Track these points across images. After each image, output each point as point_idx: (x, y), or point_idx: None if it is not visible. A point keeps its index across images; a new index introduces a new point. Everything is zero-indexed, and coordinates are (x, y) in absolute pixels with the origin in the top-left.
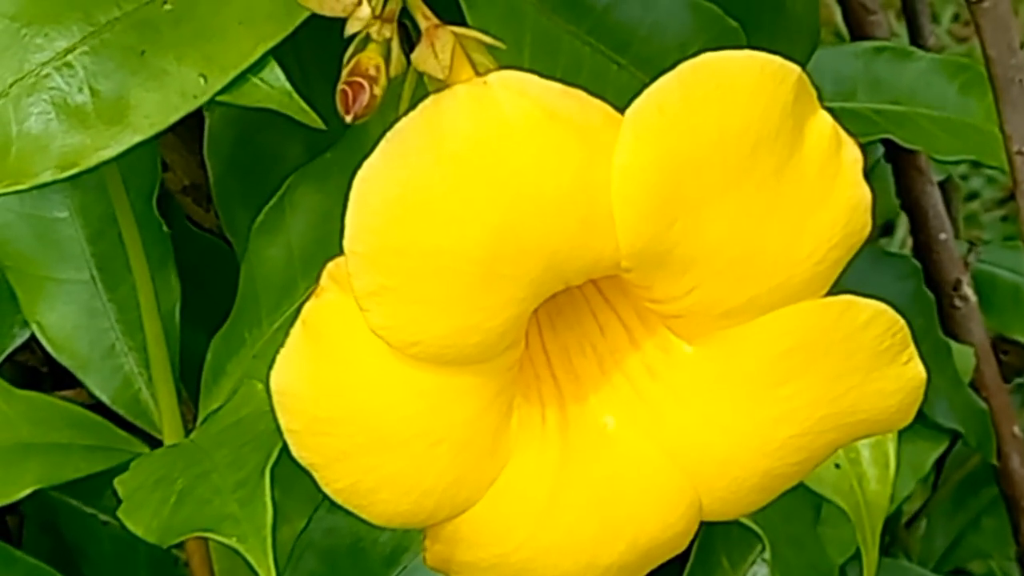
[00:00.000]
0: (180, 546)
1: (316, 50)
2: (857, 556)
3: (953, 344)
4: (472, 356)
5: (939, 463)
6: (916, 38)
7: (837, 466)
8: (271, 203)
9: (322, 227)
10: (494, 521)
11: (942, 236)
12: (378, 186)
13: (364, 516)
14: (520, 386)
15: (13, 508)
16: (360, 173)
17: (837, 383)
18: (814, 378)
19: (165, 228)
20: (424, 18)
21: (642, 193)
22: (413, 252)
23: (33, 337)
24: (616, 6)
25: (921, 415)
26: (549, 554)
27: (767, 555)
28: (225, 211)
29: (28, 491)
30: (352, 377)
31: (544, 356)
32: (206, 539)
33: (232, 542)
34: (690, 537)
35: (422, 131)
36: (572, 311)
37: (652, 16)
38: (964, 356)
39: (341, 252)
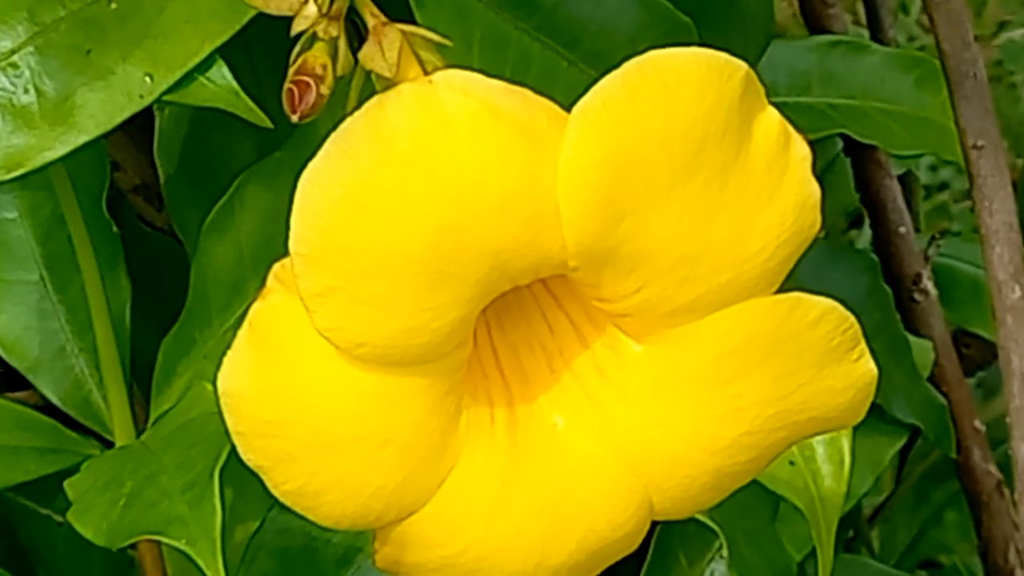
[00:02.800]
0: (135, 547)
1: (266, 48)
2: (815, 553)
3: (912, 338)
4: (419, 357)
5: (902, 457)
6: (876, 31)
7: (791, 463)
8: (221, 202)
9: (272, 226)
10: (443, 522)
11: (901, 230)
12: (322, 186)
13: (312, 518)
14: (468, 386)
15: None
16: (304, 174)
17: (787, 381)
18: (763, 376)
19: (115, 228)
20: (372, 16)
21: (588, 191)
22: (358, 252)
23: None
24: (566, 2)
25: (879, 410)
26: (498, 554)
27: (725, 552)
28: (175, 211)
29: None
30: (298, 379)
31: (493, 356)
32: (158, 541)
33: (181, 544)
34: (641, 536)
35: (366, 131)
36: (520, 310)
37: (602, 12)
38: (923, 350)
39: (288, 253)
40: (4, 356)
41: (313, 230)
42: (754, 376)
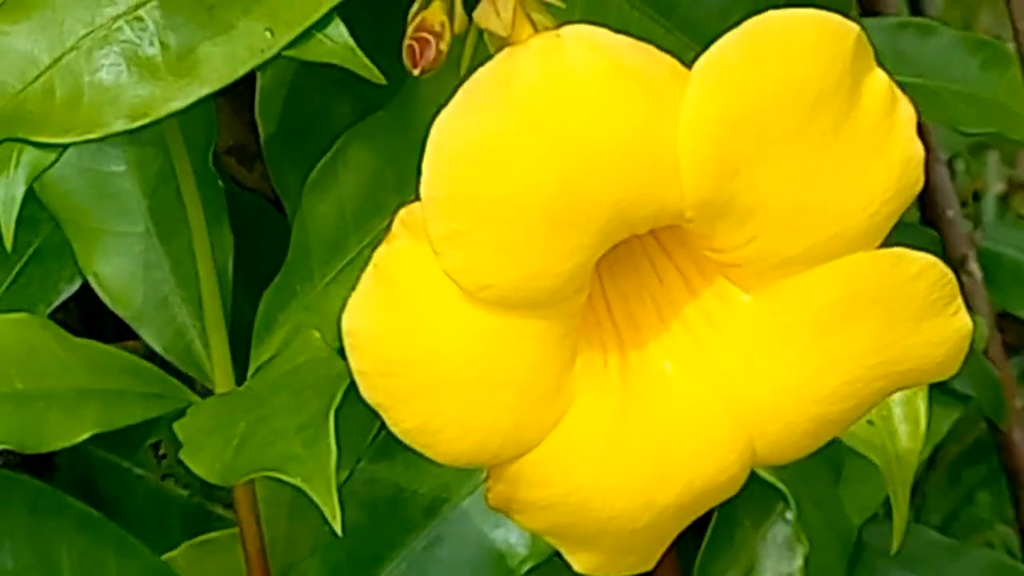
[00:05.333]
0: (214, 500)
1: (360, 13)
2: (873, 519)
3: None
4: (540, 300)
5: None
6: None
7: (870, 423)
8: (324, 161)
9: (373, 184)
10: (556, 461)
11: (949, 213)
12: (454, 134)
13: (430, 455)
14: (583, 332)
15: (48, 462)
16: (437, 122)
17: (888, 332)
18: (866, 327)
19: (220, 183)
20: None
21: (707, 145)
22: (486, 198)
23: (71, 296)
24: None
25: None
26: (608, 494)
27: (788, 515)
28: (275, 169)
29: (88, 434)
30: (422, 320)
31: (605, 304)
32: (252, 489)
33: (297, 482)
34: (743, 480)
35: (496, 82)
36: (631, 261)
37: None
38: (978, 326)
39: (394, 207)
40: (110, 305)
41: (444, 176)
42: (857, 327)
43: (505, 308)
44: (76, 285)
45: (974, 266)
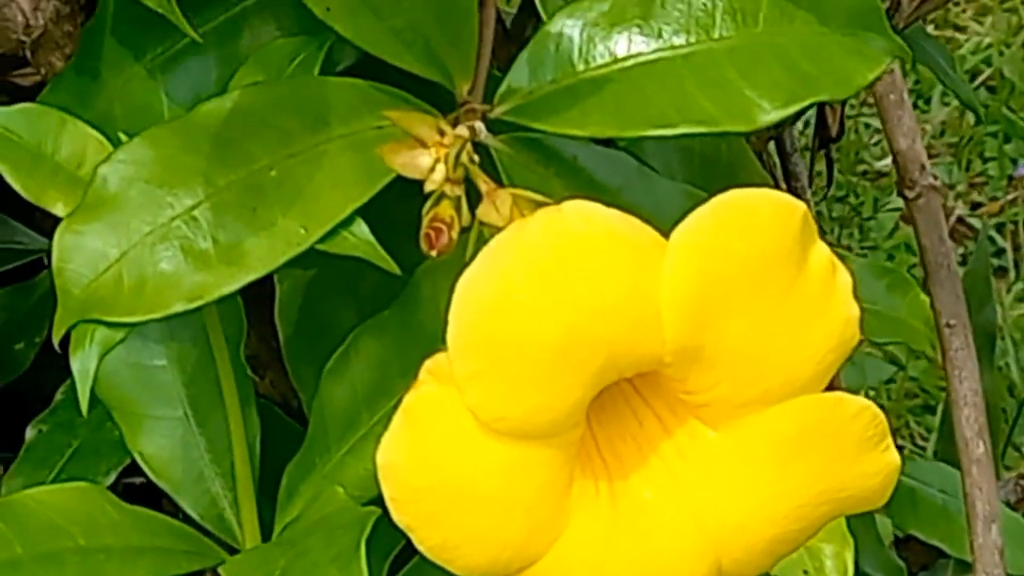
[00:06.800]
0: None
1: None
2: None
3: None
4: (544, 431)
5: None
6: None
7: (805, 572)
8: (339, 351)
9: (381, 371)
10: (556, 572)
11: None
12: (474, 290)
13: (451, 568)
14: (578, 463)
15: None
16: (461, 280)
17: (831, 463)
18: (813, 458)
19: (248, 372)
20: (484, 183)
21: (684, 300)
22: (502, 343)
23: None
24: (624, 190)
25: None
26: None
27: None
28: (293, 365)
29: None
30: (444, 452)
31: (595, 443)
32: None
33: None
34: None
35: (510, 246)
36: (615, 409)
37: (652, 199)
38: (885, 526)
39: (400, 390)
40: (153, 479)
41: (467, 325)
42: (806, 458)
43: (516, 438)
44: (111, 478)
45: None
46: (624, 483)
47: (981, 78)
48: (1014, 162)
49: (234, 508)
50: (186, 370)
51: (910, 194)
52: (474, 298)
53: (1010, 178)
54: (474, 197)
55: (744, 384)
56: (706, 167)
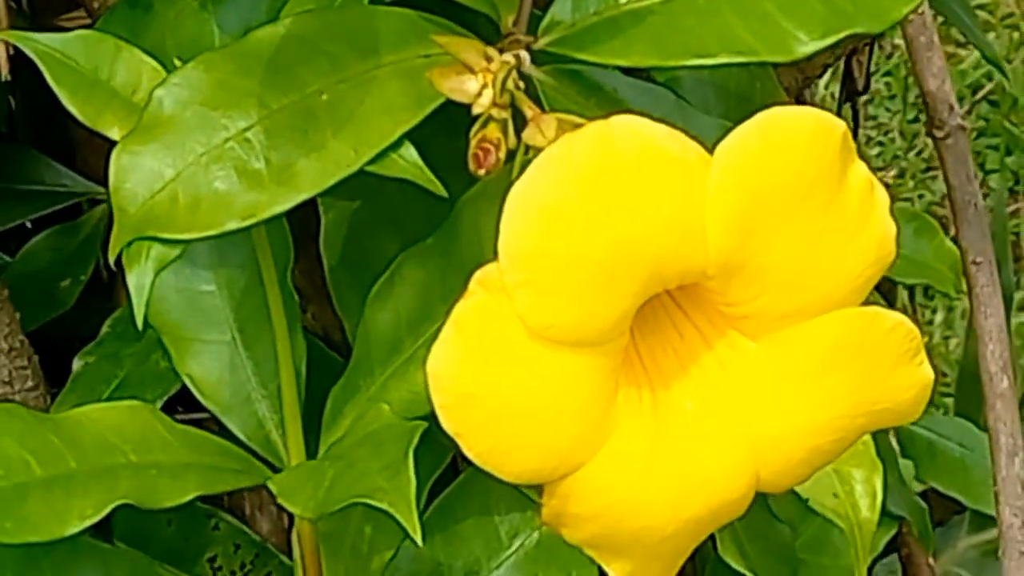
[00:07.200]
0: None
1: None
2: None
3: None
4: (591, 339)
5: None
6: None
7: (835, 495)
8: (383, 277)
9: (424, 296)
10: (600, 479)
11: None
12: (526, 201)
13: (498, 474)
14: (623, 373)
15: None
16: (512, 192)
17: (867, 376)
18: (850, 370)
19: (295, 296)
20: (529, 108)
21: (728, 214)
22: (551, 253)
23: None
24: (663, 122)
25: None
26: (640, 508)
27: None
28: (337, 292)
29: (193, 496)
30: (493, 359)
31: (638, 355)
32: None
33: (384, 506)
34: (748, 502)
35: (559, 160)
36: (657, 322)
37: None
38: (908, 469)
39: (442, 314)
40: (202, 400)
41: (518, 234)
42: (844, 370)
43: (563, 346)
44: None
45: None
46: (666, 393)
47: (983, 92)
48: (1015, 174)
49: (280, 430)
50: (234, 295)
51: (939, 134)
52: (524, 208)
53: (1010, 191)
54: (519, 125)
55: (784, 297)
56: (741, 105)
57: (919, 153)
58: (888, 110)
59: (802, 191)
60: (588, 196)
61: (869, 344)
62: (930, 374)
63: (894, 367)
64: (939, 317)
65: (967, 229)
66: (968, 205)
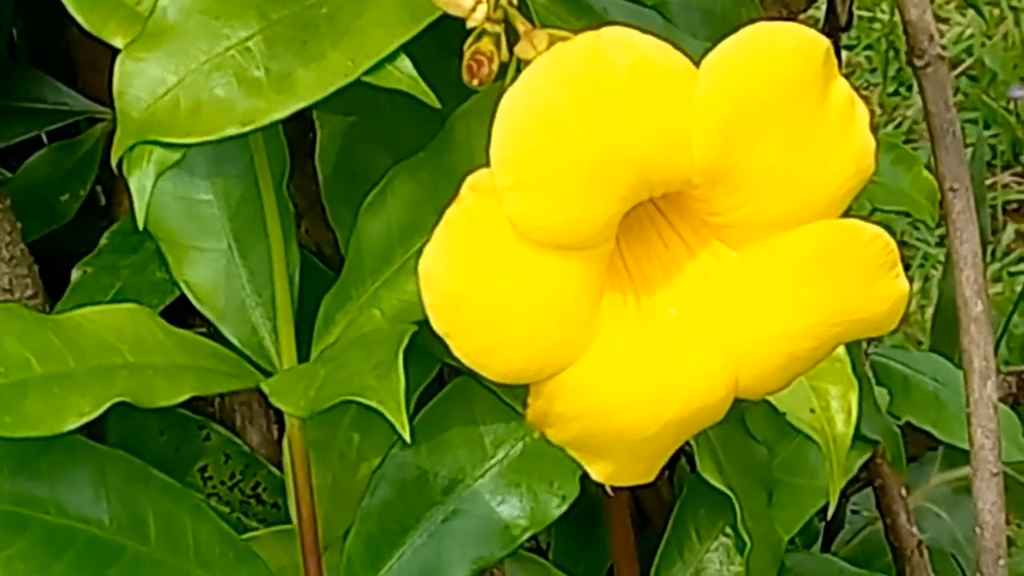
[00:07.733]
0: (250, 516)
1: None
2: (792, 541)
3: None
4: (578, 242)
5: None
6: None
7: (812, 411)
8: (376, 189)
9: (415, 208)
10: (584, 379)
11: None
12: (516, 108)
13: (486, 374)
14: (608, 277)
15: None
16: (504, 98)
17: (845, 286)
18: (829, 280)
19: (290, 207)
20: (521, 23)
21: (713, 123)
22: (541, 157)
23: None
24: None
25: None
26: (623, 408)
27: (729, 530)
28: (332, 204)
29: (187, 396)
30: (483, 261)
31: (623, 262)
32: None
33: (373, 403)
34: (727, 407)
35: (551, 69)
36: (642, 231)
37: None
38: (883, 396)
39: (432, 226)
40: (197, 307)
41: (509, 138)
42: (823, 280)
43: (551, 248)
44: None
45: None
46: (650, 299)
47: (962, 67)
48: (992, 148)
49: (273, 336)
50: (231, 205)
51: (919, 63)
52: (516, 112)
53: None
54: (512, 41)
55: (766, 206)
56: (727, 29)
57: (898, 126)
58: (868, 83)
59: (785, 103)
60: (578, 101)
61: (847, 255)
62: (905, 286)
63: (871, 278)
64: (916, 286)
65: (945, 156)
66: (946, 133)
